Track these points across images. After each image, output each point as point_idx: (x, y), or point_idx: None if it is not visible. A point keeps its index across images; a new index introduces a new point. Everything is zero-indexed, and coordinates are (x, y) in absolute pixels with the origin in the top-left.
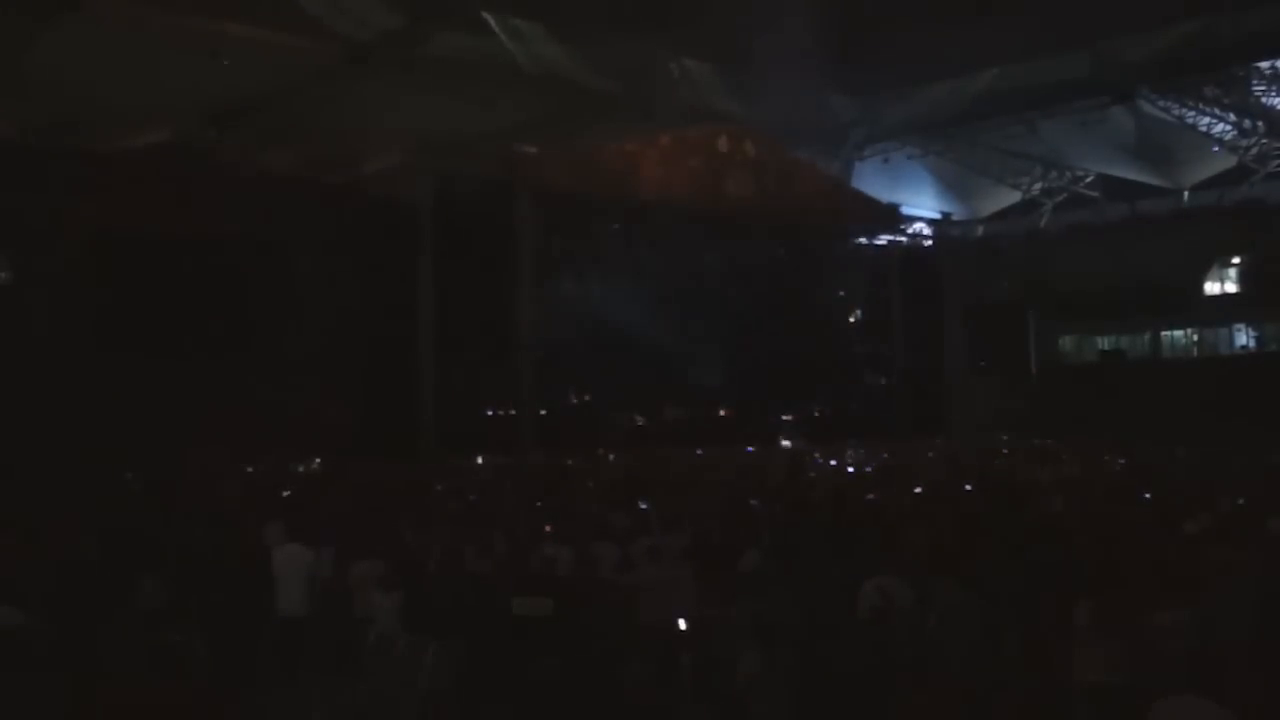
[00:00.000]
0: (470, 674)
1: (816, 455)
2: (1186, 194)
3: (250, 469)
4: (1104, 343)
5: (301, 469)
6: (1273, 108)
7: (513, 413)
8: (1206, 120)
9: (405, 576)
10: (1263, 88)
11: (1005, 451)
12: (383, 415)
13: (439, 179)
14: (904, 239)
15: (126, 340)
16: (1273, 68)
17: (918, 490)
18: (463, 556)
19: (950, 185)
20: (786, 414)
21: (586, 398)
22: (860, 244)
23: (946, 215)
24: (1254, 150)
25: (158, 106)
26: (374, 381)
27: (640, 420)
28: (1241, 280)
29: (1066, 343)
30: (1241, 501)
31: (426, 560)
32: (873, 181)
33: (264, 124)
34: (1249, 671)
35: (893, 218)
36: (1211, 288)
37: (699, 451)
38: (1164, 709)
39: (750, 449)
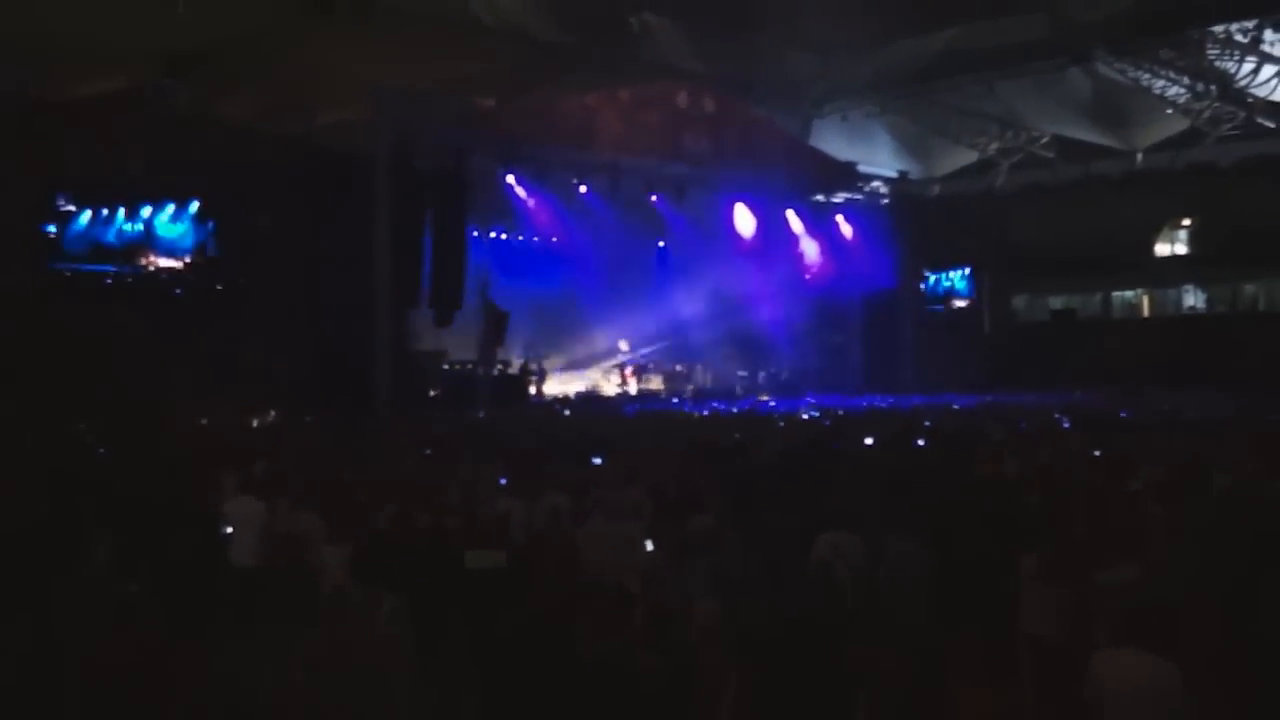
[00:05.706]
0: (424, 627)
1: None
2: (1140, 156)
3: (204, 421)
4: (1056, 302)
5: (255, 421)
6: (1226, 71)
7: (469, 367)
8: (1161, 83)
9: (357, 530)
10: (1216, 51)
11: (956, 407)
12: (338, 368)
13: (396, 131)
14: (860, 197)
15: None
16: (1226, 31)
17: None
18: (416, 510)
19: (908, 144)
20: (742, 371)
21: (545, 352)
22: (817, 201)
23: (903, 174)
24: (1207, 113)
25: (111, 54)
26: (329, 335)
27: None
28: (1191, 242)
29: (1019, 302)
30: (1188, 458)
31: (379, 514)
32: (831, 139)
33: (219, 73)
34: (1191, 626)
35: (849, 176)
36: (1162, 249)
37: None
38: (1107, 661)
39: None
